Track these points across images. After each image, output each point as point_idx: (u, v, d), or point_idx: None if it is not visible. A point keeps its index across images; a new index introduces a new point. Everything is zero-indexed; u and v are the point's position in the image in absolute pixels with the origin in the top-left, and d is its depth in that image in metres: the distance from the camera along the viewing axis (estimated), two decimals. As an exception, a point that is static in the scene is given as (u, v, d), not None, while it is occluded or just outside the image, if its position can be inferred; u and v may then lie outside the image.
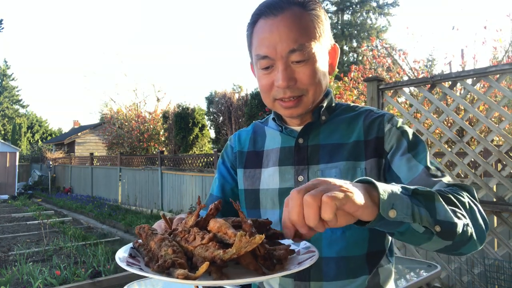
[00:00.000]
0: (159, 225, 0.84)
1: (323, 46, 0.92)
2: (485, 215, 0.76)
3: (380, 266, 0.94)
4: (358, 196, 0.59)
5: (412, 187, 0.67)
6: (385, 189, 0.62)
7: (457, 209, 0.70)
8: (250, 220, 0.69)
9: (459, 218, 0.69)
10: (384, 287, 0.95)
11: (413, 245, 0.75)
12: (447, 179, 0.84)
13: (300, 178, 0.95)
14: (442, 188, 0.78)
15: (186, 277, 0.57)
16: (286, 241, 0.74)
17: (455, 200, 0.72)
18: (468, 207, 0.73)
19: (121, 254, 0.69)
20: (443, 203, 0.68)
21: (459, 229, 0.68)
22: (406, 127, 0.94)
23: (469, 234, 0.71)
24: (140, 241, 0.72)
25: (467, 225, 0.70)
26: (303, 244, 0.76)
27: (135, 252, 0.72)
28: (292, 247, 0.73)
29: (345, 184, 0.60)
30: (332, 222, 0.58)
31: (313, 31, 0.89)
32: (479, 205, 0.76)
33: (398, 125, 0.94)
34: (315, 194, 0.57)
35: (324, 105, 0.98)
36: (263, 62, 0.90)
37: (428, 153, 0.90)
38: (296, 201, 0.59)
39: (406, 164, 0.87)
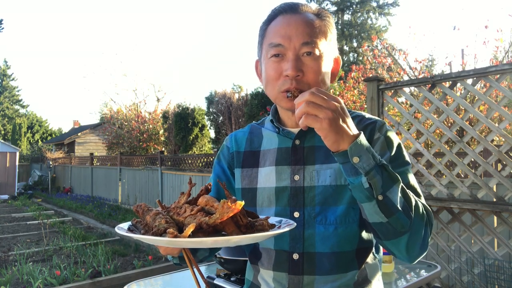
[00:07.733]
0: None
1: (331, 51, 0.99)
2: (427, 242, 0.87)
3: (367, 262, 0.98)
4: (346, 131, 0.75)
5: (384, 162, 0.78)
6: (363, 142, 0.76)
7: (408, 208, 0.80)
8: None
9: (403, 211, 0.79)
10: (372, 281, 0.99)
11: (358, 201, 0.82)
12: (423, 200, 0.90)
13: (296, 177, 0.98)
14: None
15: (176, 236, 0.66)
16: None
17: (414, 205, 0.81)
18: (420, 217, 0.82)
19: (122, 226, 0.81)
20: (399, 190, 0.78)
21: (397, 215, 0.78)
22: (394, 137, 0.97)
23: (402, 230, 0.80)
24: (138, 219, 0.82)
25: (405, 222, 0.80)
26: (285, 221, 0.85)
27: (133, 227, 0.82)
28: (272, 221, 0.82)
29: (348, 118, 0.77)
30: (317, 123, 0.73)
31: (326, 33, 0.97)
32: (429, 230, 0.86)
33: (387, 134, 0.96)
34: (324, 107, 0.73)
35: None
36: (275, 49, 0.94)
37: (410, 167, 0.95)
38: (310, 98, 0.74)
39: None
